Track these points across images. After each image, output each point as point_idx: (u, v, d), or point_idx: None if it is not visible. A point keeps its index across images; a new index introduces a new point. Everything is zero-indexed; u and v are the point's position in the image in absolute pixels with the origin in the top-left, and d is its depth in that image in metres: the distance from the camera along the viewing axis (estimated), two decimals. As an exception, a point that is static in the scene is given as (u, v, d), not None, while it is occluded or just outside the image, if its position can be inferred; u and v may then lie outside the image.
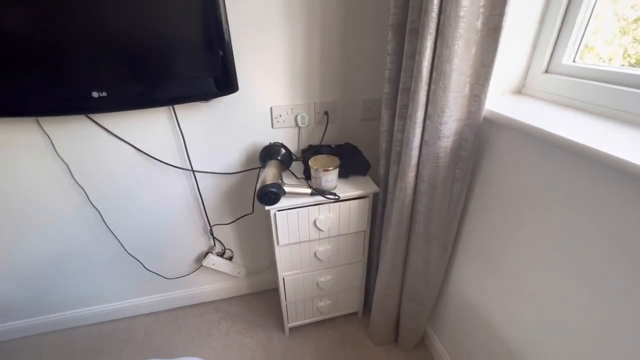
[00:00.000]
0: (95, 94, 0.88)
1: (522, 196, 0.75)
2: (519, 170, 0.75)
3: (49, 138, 1.02)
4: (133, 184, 1.18)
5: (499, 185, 0.82)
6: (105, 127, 1.05)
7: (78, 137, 1.05)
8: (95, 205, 1.18)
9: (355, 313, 1.46)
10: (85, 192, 1.15)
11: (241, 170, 1.25)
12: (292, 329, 1.41)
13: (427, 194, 0.90)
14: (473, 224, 0.95)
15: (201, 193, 1.26)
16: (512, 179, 0.78)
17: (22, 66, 0.82)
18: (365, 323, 1.43)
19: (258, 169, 1.25)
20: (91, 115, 1.02)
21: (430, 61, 0.74)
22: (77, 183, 1.12)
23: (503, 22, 0.67)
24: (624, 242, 0.56)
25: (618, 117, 0.68)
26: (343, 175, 1.10)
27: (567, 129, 0.62)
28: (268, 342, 1.37)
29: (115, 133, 1.07)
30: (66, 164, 1.08)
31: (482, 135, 0.85)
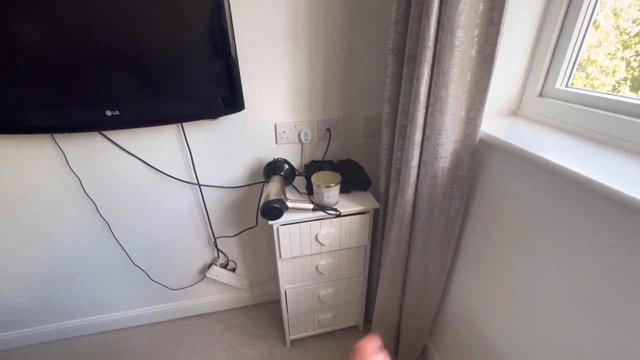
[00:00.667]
0: (109, 113, 0.93)
1: (517, 215, 0.78)
2: (513, 189, 0.78)
3: (63, 153, 1.07)
4: (141, 196, 1.22)
5: (495, 204, 0.85)
6: (117, 142, 1.09)
7: (90, 152, 1.09)
8: (103, 216, 1.22)
9: (356, 326, 1.47)
10: (94, 204, 1.19)
11: (245, 184, 1.28)
12: (293, 342, 1.42)
13: (426, 211, 0.93)
14: (471, 241, 0.97)
15: (206, 206, 1.29)
16: (507, 198, 0.80)
17: (43, 88, 0.87)
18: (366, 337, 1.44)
19: (262, 184, 1.28)
20: (104, 132, 1.06)
21: (427, 86, 0.78)
22: (88, 195, 1.16)
23: (496, 52, 0.70)
24: (621, 262, 0.58)
25: (605, 142, 0.70)
26: (344, 190, 1.13)
27: (556, 152, 0.65)
28: (270, 354, 1.38)
29: (125, 148, 1.11)
30: (78, 178, 1.12)
31: (478, 156, 0.87)
